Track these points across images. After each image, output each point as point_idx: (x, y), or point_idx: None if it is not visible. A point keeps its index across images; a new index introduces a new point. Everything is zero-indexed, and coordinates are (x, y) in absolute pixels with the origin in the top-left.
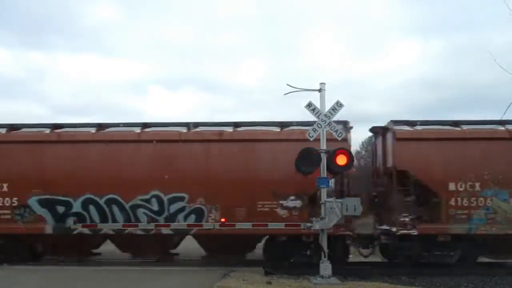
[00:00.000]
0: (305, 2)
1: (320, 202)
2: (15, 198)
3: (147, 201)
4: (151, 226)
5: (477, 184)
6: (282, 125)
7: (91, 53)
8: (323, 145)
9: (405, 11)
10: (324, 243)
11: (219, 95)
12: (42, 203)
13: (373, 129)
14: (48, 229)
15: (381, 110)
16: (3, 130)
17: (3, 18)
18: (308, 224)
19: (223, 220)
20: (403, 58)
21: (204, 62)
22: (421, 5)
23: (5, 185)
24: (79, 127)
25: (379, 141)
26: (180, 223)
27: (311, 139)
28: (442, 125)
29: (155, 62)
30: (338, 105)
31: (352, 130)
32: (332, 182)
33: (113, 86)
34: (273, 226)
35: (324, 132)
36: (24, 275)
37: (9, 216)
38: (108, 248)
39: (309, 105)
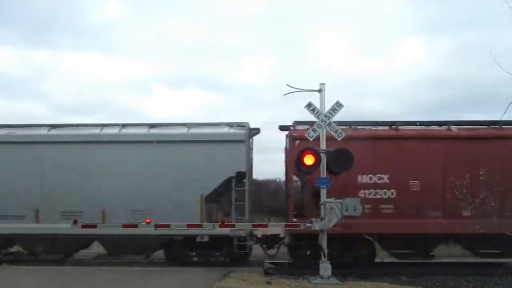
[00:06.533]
0: (310, 1)
1: (320, 202)
2: None
3: None
4: (151, 226)
5: None
6: None
7: (95, 52)
8: (323, 145)
9: (411, 9)
10: (324, 243)
11: (222, 95)
12: None
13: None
14: None
15: (385, 110)
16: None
17: (7, 16)
18: (307, 224)
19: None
20: (408, 57)
21: (208, 61)
22: (427, 4)
23: None
24: None
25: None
26: (180, 224)
27: (311, 139)
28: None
29: (159, 61)
30: (338, 105)
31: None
32: None
33: (116, 85)
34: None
35: (324, 132)
36: (24, 275)
37: None
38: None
39: (309, 105)
